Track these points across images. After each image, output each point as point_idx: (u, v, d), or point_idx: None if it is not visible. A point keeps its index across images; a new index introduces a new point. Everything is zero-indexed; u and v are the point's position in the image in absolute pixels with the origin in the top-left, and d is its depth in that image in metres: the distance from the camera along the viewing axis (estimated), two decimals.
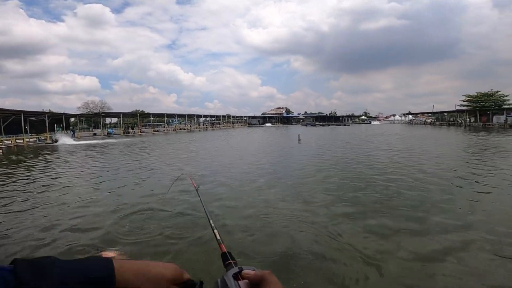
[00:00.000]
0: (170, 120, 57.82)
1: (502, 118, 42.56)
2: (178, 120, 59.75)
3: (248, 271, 0.46)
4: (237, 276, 0.47)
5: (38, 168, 10.72)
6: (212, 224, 0.77)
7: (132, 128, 42.93)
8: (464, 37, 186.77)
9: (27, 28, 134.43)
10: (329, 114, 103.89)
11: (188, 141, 25.00)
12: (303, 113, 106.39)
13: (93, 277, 0.40)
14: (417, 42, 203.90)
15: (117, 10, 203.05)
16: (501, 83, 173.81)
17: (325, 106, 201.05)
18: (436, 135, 26.63)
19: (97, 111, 47.59)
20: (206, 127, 60.20)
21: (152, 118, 50.61)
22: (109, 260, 0.43)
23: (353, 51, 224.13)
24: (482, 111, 48.87)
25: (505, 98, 51.52)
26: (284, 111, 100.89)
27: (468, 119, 53.17)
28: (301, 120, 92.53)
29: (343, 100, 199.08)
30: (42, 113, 29.85)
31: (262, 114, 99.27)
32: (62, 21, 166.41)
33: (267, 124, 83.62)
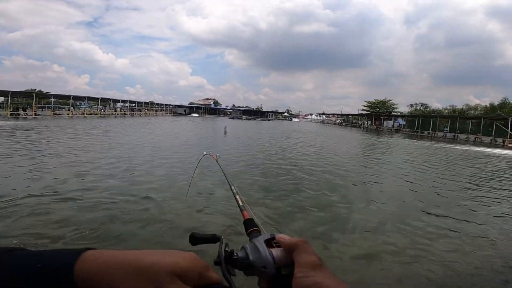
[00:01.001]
0: (78, 103, 49.05)
1: (390, 123, 53.19)
2: (89, 104, 51.25)
3: (282, 237, 0.43)
4: (269, 243, 0.44)
5: None
6: (234, 190, 0.73)
7: (24, 110, 34.49)
8: (374, 49, 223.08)
9: None
10: (256, 108, 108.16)
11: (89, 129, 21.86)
12: (231, 105, 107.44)
13: (48, 269, 0.32)
14: (338, 49, 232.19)
15: None
16: (393, 93, 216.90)
17: (253, 101, 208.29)
18: (340, 135, 31.62)
19: None
20: (124, 113, 53.61)
21: (53, 100, 41.76)
22: (77, 251, 0.34)
23: (284, 51, 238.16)
24: (376, 116, 59.95)
25: (394, 106, 64.68)
26: (212, 103, 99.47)
27: (366, 122, 64.49)
28: (229, 113, 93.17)
29: (270, 96, 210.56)
30: None
31: (189, 103, 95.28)
32: None
33: (194, 114, 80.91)
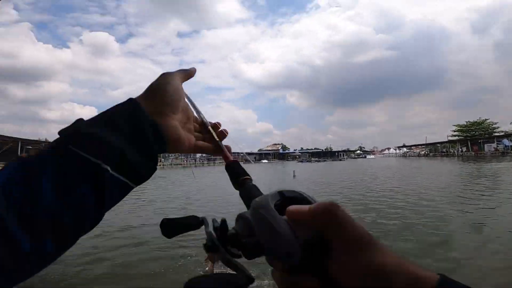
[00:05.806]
0: (166, 155, 57.93)
1: (493, 146, 43.46)
2: (174, 155, 59.92)
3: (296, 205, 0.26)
4: (281, 208, 0.26)
5: None
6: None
7: None
8: (449, 66, 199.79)
9: (34, 52, 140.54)
10: (325, 149, 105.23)
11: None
12: (299, 149, 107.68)
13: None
14: (405, 72, 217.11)
15: (121, 40, 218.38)
16: (488, 111, 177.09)
17: (321, 142, 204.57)
18: (429, 169, 25.83)
19: None
20: (203, 163, 60.15)
21: None
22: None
23: (345, 84, 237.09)
24: (472, 140, 49.95)
25: (494, 126, 52.98)
26: (280, 148, 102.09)
27: (460, 149, 53.94)
28: (297, 156, 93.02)
29: (338, 135, 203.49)
30: (40, 142, 30.66)
31: (258, 150, 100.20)
32: (68, 47, 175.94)
33: (264, 161, 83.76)
